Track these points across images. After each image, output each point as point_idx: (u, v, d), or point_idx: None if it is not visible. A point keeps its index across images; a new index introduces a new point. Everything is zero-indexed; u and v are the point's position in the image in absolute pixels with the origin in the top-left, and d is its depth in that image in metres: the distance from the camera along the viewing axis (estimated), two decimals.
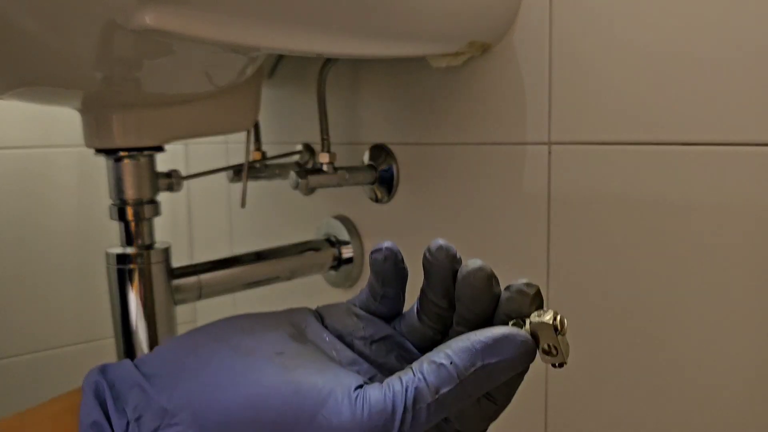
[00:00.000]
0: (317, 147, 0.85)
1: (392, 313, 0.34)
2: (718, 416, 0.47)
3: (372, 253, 0.34)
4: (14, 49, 0.43)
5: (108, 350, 1.15)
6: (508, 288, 0.30)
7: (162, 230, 0.67)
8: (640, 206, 0.50)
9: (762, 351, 0.44)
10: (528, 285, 0.30)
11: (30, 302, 1.07)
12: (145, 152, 0.63)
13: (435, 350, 0.29)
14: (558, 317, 0.28)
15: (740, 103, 0.44)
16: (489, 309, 0.31)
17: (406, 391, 0.27)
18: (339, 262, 0.79)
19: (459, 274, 0.31)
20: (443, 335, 0.33)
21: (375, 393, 0.27)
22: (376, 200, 0.75)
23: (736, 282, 0.45)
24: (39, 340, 1.08)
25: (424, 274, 0.32)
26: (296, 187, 0.67)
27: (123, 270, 0.62)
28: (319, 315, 0.34)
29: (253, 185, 0.98)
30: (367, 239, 0.78)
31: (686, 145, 0.47)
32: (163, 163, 0.66)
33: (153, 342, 0.63)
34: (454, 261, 0.32)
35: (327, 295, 0.86)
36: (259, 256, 0.73)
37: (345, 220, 0.80)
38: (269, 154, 0.92)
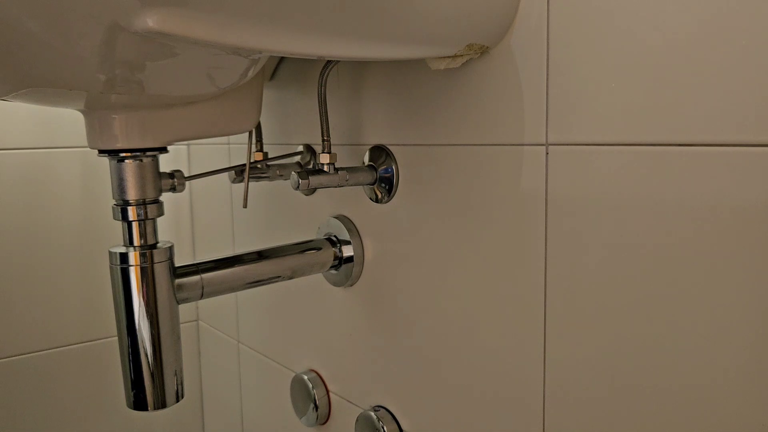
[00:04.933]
0: (318, 148, 0.85)
1: None
2: (715, 416, 0.48)
3: None
4: (18, 50, 0.44)
5: (111, 349, 1.16)
6: None
7: (165, 230, 0.68)
8: (636, 207, 0.50)
9: (760, 351, 0.45)
10: None
11: (34, 301, 1.08)
12: (148, 153, 0.63)
13: None
14: None
15: (737, 103, 0.44)
16: None
17: None
18: (340, 261, 0.80)
19: None
20: None
21: None
22: (376, 200, 0.76)
23: (735, 282, 0.46)
24: (43, 338, 1.09)
25: None
26: (297, 187, 0.68)
27: (126, 269, 0.63)
28: None
29: (254, 185, 0.99)
30: (368, 239, 0.78)
31: (682, 146, 0.47)
32: (166, 163, 0.66)
33: (156, 340, 0.64)
34: None
35: (328, 294, 0.87)
36: (260, 256, 0.74)
37: (345, 220, 0.81)
38: (271, 154, 0.93)
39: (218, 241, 1.14)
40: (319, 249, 0.79)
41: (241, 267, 0.72)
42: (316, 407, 0.89)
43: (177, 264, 0.67)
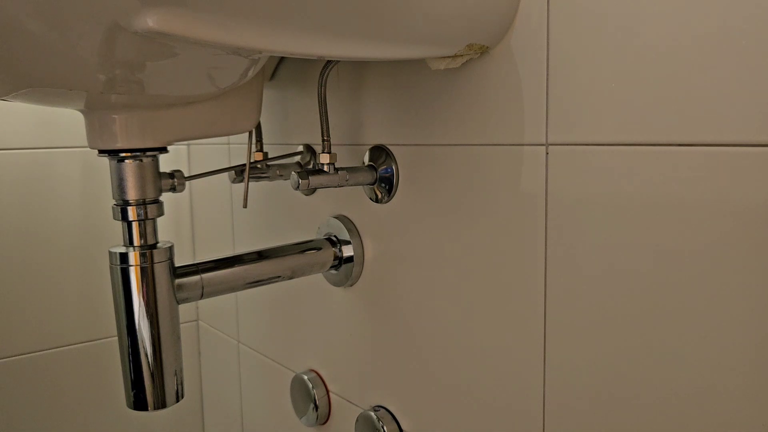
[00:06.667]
0: (318, 148, 0.85)
1: None
2: (717, 417, 0.48)
3: None
4: (19, 50, 0.44)
5: (111, 349, 1.16)
6: None
7: (165, 230, 0.68)
8: (636, 207, 0.50)
9: (762, 352, 0.45)
10: None
11: (34, 301, 1.08)
12: (148, 153, 0.63)
13: None
14: None
15: (738, 103, 0.44)
16: None
17: None
18: (340, 261, 0.80)
19: None
20: None
21: None
22: (376, 200, 0.76)
23: (736, 282, 0.46)
24: (43, 338, 1.09)
25: None
26: (297, 187, 0.68)
27: (126, 269, 0.63)
28: None
29: (254, 185, 0.99)
30: (368, 239, 0.78)
31: (682, 146, 0.47)
32: (166, 163, 0.66)
33: (156, 340, 0.64)
34: None
35: (328, 294, 0.87)
36: (260, 256, 0.74)
37: (345, 220, 0.81)
38: (271, 154, 0.93)
39: (218, 241, 1.14)
40: (319, 249, 0.79)
41: (241, 267, 0.72)
42: (316, 407, 0.89)
43: (177, 264, 0.67)
